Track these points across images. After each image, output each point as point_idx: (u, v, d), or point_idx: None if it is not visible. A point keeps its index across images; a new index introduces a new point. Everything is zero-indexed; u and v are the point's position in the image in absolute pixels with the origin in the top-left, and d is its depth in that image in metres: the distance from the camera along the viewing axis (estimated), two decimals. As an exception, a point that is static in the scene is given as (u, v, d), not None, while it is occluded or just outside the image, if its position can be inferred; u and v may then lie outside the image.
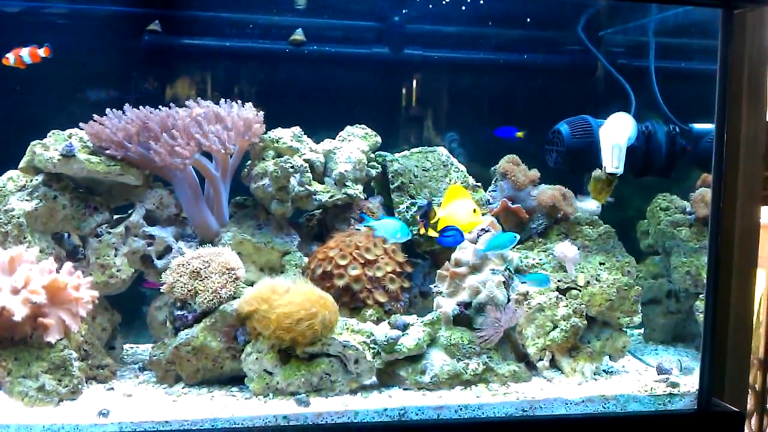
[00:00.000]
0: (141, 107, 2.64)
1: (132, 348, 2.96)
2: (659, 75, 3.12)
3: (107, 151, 2.57)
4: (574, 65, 3.55)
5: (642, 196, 3.29)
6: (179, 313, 2.48)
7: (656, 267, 3.17)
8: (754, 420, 2.49)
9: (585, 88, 3.54)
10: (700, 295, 2.85)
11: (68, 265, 2.39)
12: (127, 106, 2.63)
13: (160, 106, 2.66)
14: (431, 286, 2.77)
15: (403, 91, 3.42)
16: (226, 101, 2.73)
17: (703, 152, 2.94)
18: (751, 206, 2.36)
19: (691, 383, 2.55)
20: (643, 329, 3.20)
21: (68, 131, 2.63)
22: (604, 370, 2.70)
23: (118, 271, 2.65)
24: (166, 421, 2.16)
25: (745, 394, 2.43)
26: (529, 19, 3.35)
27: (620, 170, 2.73)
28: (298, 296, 2.36)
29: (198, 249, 2.58)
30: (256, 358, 2.38)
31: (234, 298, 2.46)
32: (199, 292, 2.43)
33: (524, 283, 2.64)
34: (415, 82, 3.42)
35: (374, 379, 2.49)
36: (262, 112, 2.73)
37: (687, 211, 3.11)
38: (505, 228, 2.95)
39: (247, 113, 2.68)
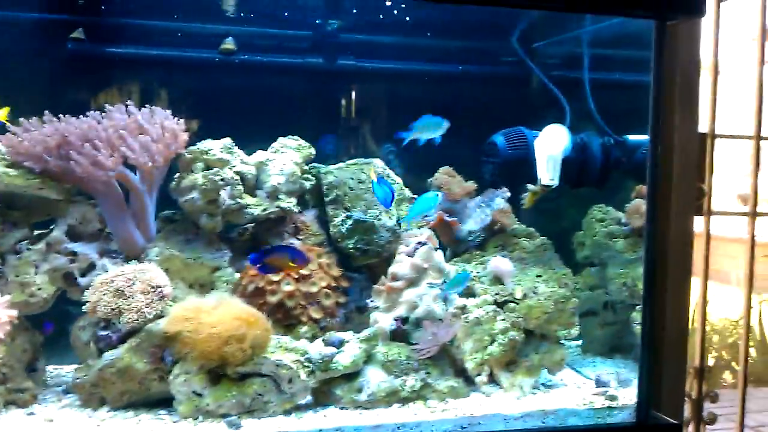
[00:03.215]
0: (63, 117, 2.52)
1: (56, 369, 2.81)
2: (593, 86, 3.13)
3: (25, 163, 2.44)
4: (509, 76, 3.54)
5: (577, 207, 3.29)
6: (103, 333, 2.38)
7: (593, 278, 3.15)
8: (691, 429, 2.50)
9: (520, 100, 3.52)
10: (637, 306, 2.85)
11: (-16, 284, 2.26)
12: (47, 116, 2.51)
13: (82, 116, 2.54)
14: (368, 300, 2.71)
15: (338, 101, 3.36)
16: (144, 107, 2.63)
17: (637, 163, 2.95)
18: (685, 216, 2.36)
19: (629, 395, 2.55)
20: (580, 341, 3.18)
21: (-16, 143, 2.49)
22: (542, 384, 2.68)
23: (39, 289, 2.51)
24: (88, 449, 2.05)
25: (682, 404, 2.43)
26: (463, 30, 3.32)
27: (555, 182, 2.73)
28: (227, 315, 2.28)
29: (123, 266, 2.47)
30: (185, 380, 2.28)
31: (161, 317, 2.36)
32: (124, 311, 2.33)
33: (445, 290, 2.60)
34: (349, 93, 3.37)
35: (309, 398, 2.42)
36: (182, 121, 2.64)
37: (622, 222, 3.12)
38: (442, 241, 2.93)
39: (171, 122, 2.58)
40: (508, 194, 2.93)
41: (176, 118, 2.64)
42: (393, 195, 2.59)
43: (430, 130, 2.65)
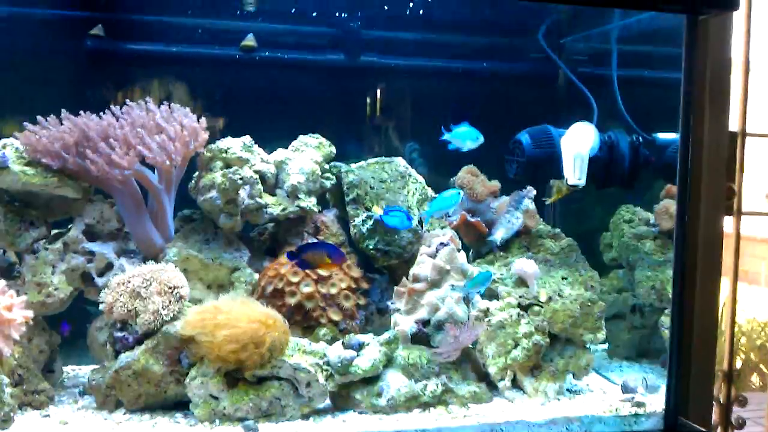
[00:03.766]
0: (82, 114, 2.50)
1: (74, 371, 2.80)
2: (622, 83, 3.06)
3: (43, 161, 2.41)
4: (535, 73, 3.48)
5: (605, 207, 3.23)
6: (119, 334, 2.35)
7: (620, 281, 3.09)
8: None
9: (546, 97, 3.46)
10: (666, 311, 2.78)
11: (1, 283, 2.23)
12: (65, 114, 2.48)
13: (101, 113, 2.52)
14: (388, 302, 2.66)
15: (360, 99, 3.31)
16: (163, 103, 2.59)
17: (667, 162, 2.88)
18: (714, 217, 2.30)
19: (657, 402, 2.48)
20: (607, 345, 3.12)
21: (2, 141, 2.48)
22: (567, 389, 2.61)
23: (55, 289, 2.49)
24: (103, 452, 2.02)
25: (710, 409, 2.37)
26: (488, 26, 3.26)
27: (582, 182, 2.66)
28: (245, 317, 2.24)
29: (140, 266, 2.43)
30: (201, 383, 2.25)
31: (178, 318, 2.32)
32: (140, 312, 2.29)
33: (466, 290, 2.55)
34: (372, 91, 3.32)
35: (328, 402, 2.37)
36: (203, 119, 2.60)
37: (651, 223, 3.06)
38: (465, 241, 2.87)
39: (191, 120, 2.54)
40: (534, 192, 2.86)
41: (196, 116, 2.60)
42: (408, 217, 2.59)
43: (465, 140, 2.64)
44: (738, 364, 4.17)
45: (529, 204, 2.85)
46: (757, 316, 4.29)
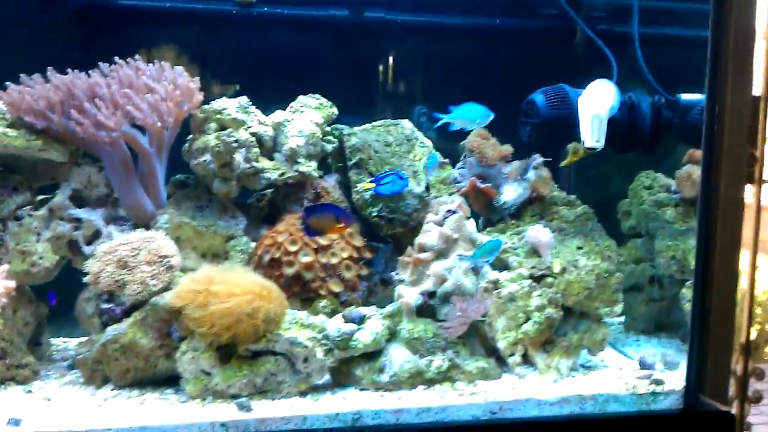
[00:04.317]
0: (69, 72, 2.38)
1: (65, 343, 2.70)
2: (643, 41, 2.89)
3: (26, 119, 2.28)
4: (551, 30, 3.33)
5: (623, 173, 3.12)
6: (106, 306, 2.24)
7: (638, 251, 2.97)
8: (735, 408, 2.34)
9: (563, 55, 3.30)
10: (687, 282, 2.65)
11: (-19, 251, 2.13)
12: (50, 71, 2.36)
13: (89, 72, 2.40)
14: (392, 273, 2.53)
15: (364, 58, 3.17)
16: (153, 63, 2.46)
17: (690, 125, 2.73)
18: (735, 184, 2.21)
19: (676, 379, 2.36)
20: (623, 318, 2.99)
21: (-18, 101, 2.35)
22: (581, 365, 2.49)
23: (40, 258, 2.37)
24: (86, 431, 1.92)
25: (727, 383, 2.27)
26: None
27: (601, 144, 2.52)
28: (239, 288, 2.11)
29: (129, 233, 2.31)
30: (192, 357, 2.13)
31: (168, 289, 2.21)
32: (128, 282, 2.17)
33: (474, 259, 2.41)
34: (377, 49, 3.18)
35: (328, 378, 2.26)
36: (197, 78, 2.45)
37: (672, 190, 2.94)
38: (474, 209, 2.73)
39: (184, 80, 2.40)
40: (540, 160, 2.71)
41: (190, 76, 2.46)
42: (400, 176, 2.49)
43: (469, 118, 2.51)
44: (752, 335, 4.09)
45: (533, 174, 2.70)
46: (772, 286, 4.20)
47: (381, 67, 3.21)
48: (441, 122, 2.54)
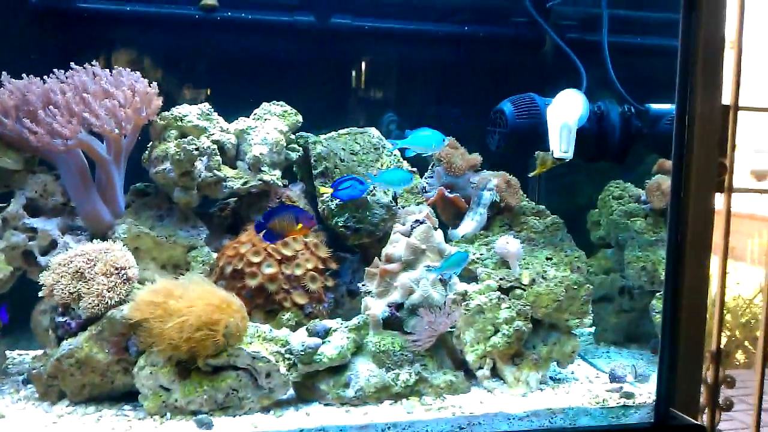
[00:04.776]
0: (24, 78, 2.31)
1: (21, 356, 2.61)
2: (613, 50, 2.87)
3: (-21, 126, 2.21)
4: (520, 38, 3.29)
5: (593, 183, 3.10)
6: (61, 319, 2.16)
7: (608, 261, 2.95)
8: (706, 415, 2.33)
9: (532, 64, 3.29)
10: (657, 294, 2.63)
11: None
12: (4, 76, 2.29)
13: (45, 77, 2.33)
14: (359, 284, 2.47)
15: (331, 65, 3.12)
16: (110, 70, 2.39)
17: (660, 135, 2.73)
18: (705, 194, 2.19)
19: (646, 392, 2.35)
20: (593, 329, 2.96)
21: (-68, 106, 2.26)
22: (551, 377, 2.47)
23: (-7, 269, 2.28)
24: (38, 451, 1.85)
25: (698, 394, 2.24)
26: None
27: (569, 155, 2.49)
28: (198, 300, 2.05)
29: (85, 244, 2.23)
30: (151, 372, 2.06)
31: (125, 302, 2.13)
32: (83, 295, 2.09)
33: (439, 271, 2.36)
34: (344, 56, 3.13)
35: (292, 392, 2.20)
36: (155, 84, 2.38)
37: (642, 200, 2.93)
38: (443, 218, 2.69)
39: (142, 85, 2.33)
40: (494, 182, 2.68)
41: (147, 81, 2.39)
42: (360, 181, 2.47)
43: (424, 145, 2.47)
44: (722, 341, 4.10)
45: (489, 196, 2.67)
46: (742, 292, 4.21)
47: (348, 74, 3.17)
48: (396, 147, 2.54)
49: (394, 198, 2.62)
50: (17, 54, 2.74)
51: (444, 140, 2.48)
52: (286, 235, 2.28)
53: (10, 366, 2.49)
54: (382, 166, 2.66)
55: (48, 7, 2.77)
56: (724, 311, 4.04)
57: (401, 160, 2.72)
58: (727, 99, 2.13)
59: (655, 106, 2.80)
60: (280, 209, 2.29)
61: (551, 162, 2.53)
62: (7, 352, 2.55)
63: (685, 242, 2.18)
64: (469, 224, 2.66)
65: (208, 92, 2.58)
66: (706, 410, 2.21)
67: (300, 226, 2.23)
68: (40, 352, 2.33)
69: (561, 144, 2.47)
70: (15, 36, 2.79)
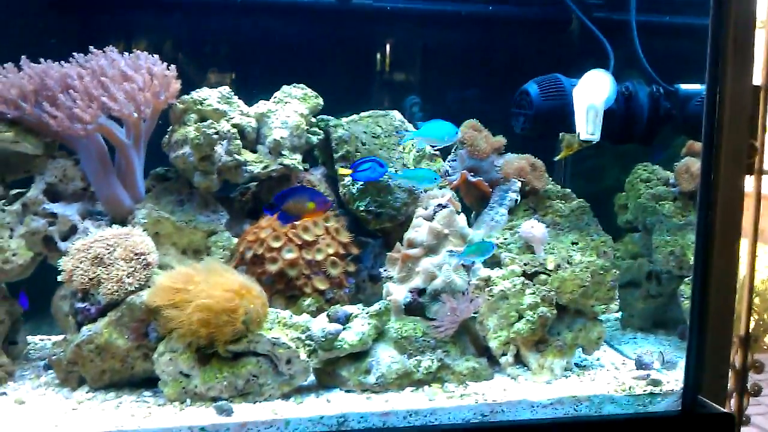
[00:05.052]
0: (42, 62, 2.29)
1: (43, 341, 2.62)
2: (641, 30, 2.81)
3: (-1, 109, 2.21)
4: (545, 18, 3.24)
5: (620, 165, 3.05)
6: (80, 305, 2.15)
7: (635, 246, 2.90)
8: (733, 401, 2.30)
9: (558, 44, 3.23)
10: (685, 278, 2.58)
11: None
12: (24, 60, 2.28)
13: (63, 62, 2.31)
14: (381, 269, 2.44)
15: (353, 47, 3.09)
16: (130, 54, 2.36)
17: (690, 116, 2.66)
18: (735, 176, 2.15)
19: (674, 378, 2.29)
20: (620, 314, 2.92)
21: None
22: (576, 364, 2.42)
23: (14, 255, 2.28)
24: (58, 437, 1.85)
25: (725, 380, 2.21)
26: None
27: (596, 137, 2.43)
28: (218, 286, 2.03)
29: (105, 230, 2.22)
30: (170, 359, 2.05)
31: (145, 287, 2.12)
32: (103, 281, 2.08)
33: (461, 258, 2.33)
34: (366, 37, 3.10)
35: (312, 379, 2.18)
36: (173, 67, 2.36)
37: (670, 183, 2.87)
38: (466, 202, 2.65)
39: (160, 68, 2.31)
40: (519, 185, 2.64)
41: (166, 65, 2.37)
42: (380, 163, 2.44)
43: (437, 137, 2.43)
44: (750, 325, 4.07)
45: (515, 199, 2.63)
46: (770, 276, 4.18)
47: (370, 56, 3.14)
48: (407, 139, 2.52)
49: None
50: (37, 38, 2.74)
51: (457, 132, 2.44)
52: (301, 217, 2.25)
53: (32, 351, 2.50)
54: (404, 149, 2.62)
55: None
56: (753, 295, 4.02)
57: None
58: (757, 80, 2.09)
59: (684, 87, 2.72)
60: (293, 190, 2.25)
61: (577, 144, 2.49)
62: (29, 337, 2.55)
63: (714, 226, 2.14)
64: (488, 226, 2.61)
65: (233, 76, 2.55)
66: (734, 395, 2.18)
67: (312, 205, 2.19)
68: (61, 337, 2.35)
69: (587, 126, 2.42)
70: (35, 20, 2.78)
